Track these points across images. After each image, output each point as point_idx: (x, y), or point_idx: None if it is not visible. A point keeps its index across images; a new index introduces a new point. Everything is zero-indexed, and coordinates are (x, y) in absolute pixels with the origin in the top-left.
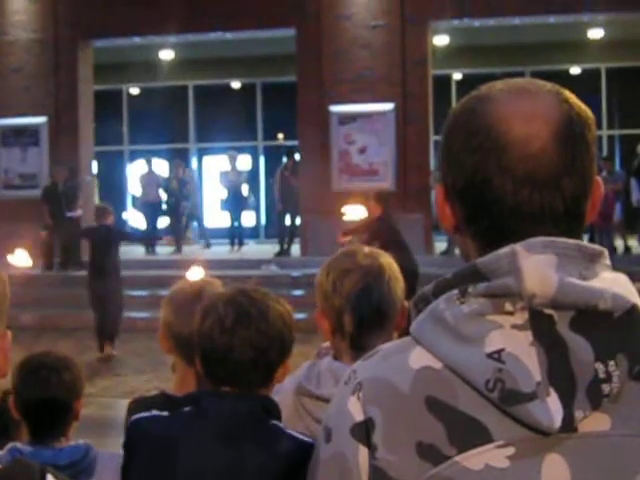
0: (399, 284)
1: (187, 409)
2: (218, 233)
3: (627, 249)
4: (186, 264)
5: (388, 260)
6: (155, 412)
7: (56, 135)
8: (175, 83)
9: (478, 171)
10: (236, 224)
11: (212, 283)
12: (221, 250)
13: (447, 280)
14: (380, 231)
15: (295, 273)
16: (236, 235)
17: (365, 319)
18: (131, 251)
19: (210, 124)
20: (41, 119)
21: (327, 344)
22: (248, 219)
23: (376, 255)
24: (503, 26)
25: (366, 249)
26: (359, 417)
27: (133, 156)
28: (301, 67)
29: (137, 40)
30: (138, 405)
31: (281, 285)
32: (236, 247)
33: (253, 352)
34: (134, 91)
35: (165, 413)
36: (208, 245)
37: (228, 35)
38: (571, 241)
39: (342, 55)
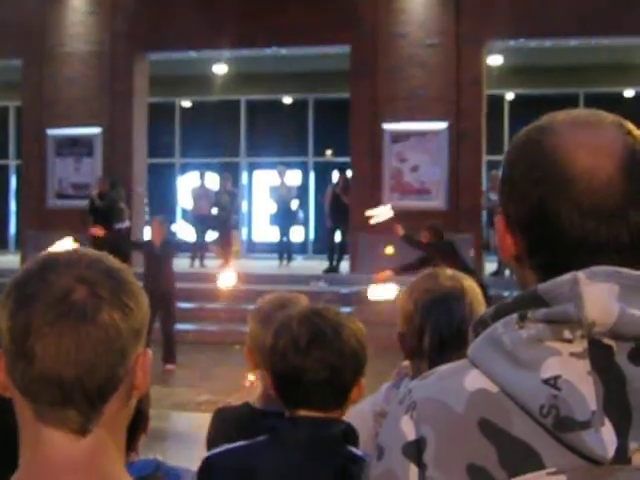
0: (481, 307)
1: (263, 438)
2: (267, 248)
3: None
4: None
5: (470, 283)
6: (227, 446)
7: (110, 146)
8: (228, 97)
9: (543, 203)
10: (285, 239)
11: (298, 297)
12: (270, 265)
13: (507, 305)
14: (431, 253)
15: (344, 290)
16: (285, 250)
17: (445, 340)
18: (179, 264)
19: (261, 139)
20: (95, 130)
21: (407, 363)
22: (297, 234)
23: (458, 278)
24: (558, 47)
25: (449, 271)
26: (411, 436)
27: (184, 169)
28: (354, 84)
29: (192, 54)
30: (223, 415)
31: (330, 302)
32: (285, 262)
33: (328, 372)
34: (187, 104)
35: (240, 443)
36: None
37: (282, 51)
38: (635, 272)
39: (396, 73)
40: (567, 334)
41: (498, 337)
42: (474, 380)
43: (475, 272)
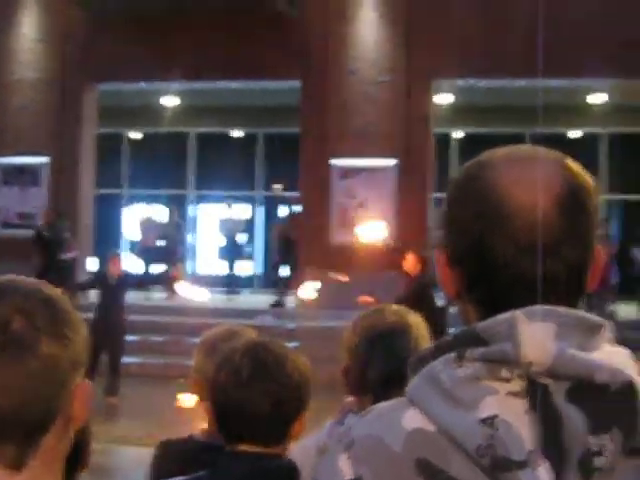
0: (426, 343)
1: (202, 473)
2: (212, 281)
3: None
4: (181, 310)
5: (416, 319)
6: None
7: (57, 176)
8: (177, 129)
9: (480, 238)
10: (231, 272)
11: (245, 330)
12: (216, 298)
13: (447, 342)
14: (414, 292)
15: (290, 325)
16: (232, 283)
17: (389, 376)
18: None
19: (210, 171)
20: (43, 159)
21: (351, 399)
22: (244, 268)
23: (404, 313)
24: (506, 88)
25: (394, 307)
26: (348, 475)
27: (131, 200)
28: (304, 119)
29: (142, 85)
30: (165, 449)
31: (277, 336)
32: (232, 295)
33: (270, 405)
34: (136, 136)
35: (180, 479)
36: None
37: (233, 84)
38: (572, 311)
39: (346, 109)
40: (505, 373)
41: (436, 375)
42: (412, 419)
43: (443, 317)
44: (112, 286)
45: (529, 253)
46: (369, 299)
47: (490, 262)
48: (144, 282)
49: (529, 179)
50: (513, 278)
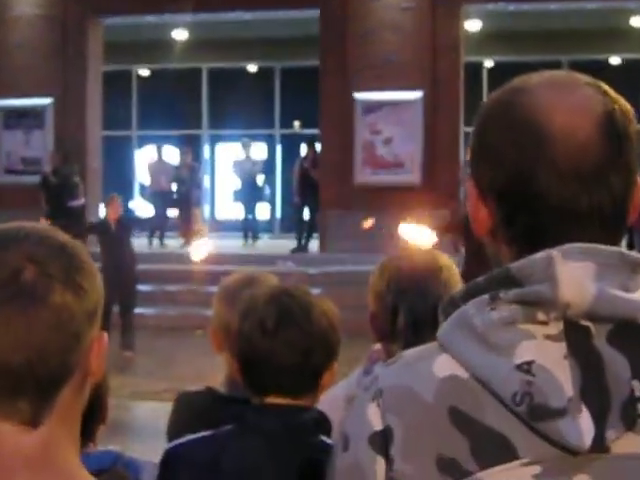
0: (457, 286)
1: (229, 427)
2: (231, 226)
3: None
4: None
5: (446, 261)
6: (190, 437)
7: (62, 117)
8: (188, 65)
9: (518, 167)
10: (250, 217)
11: (266, 276)
12: (234, 244)
13: (478, 284)
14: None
15: (312, 270)
16: (250, 229)
17: (420, 320)
18: (137, 243)
19: (224, 110)
20: (46, 100)
21: (378, 347)
22: (263, 212)
23: (433, 255)
24: (539, 11)
25: (423, 249)
26: (378, 426)
27: (142, 142)
28: (324, 50)
29: (149, 18)
30: (184, 402)
31: (298, 282)
32: (250, 241)
33: (298, 356)
34: (144, 73)
35: (203, 433)
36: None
37: (247, 15)
38: (613, 248)
39: (368, 38)
40: (541, 316)
41: (469, 319)
42: (444, 365)
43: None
44: (114, 232)
45: (572, 181)
46: (370, 222)
47: (529, 193)
48: (147, 225)
49: (568, 103)
50: (556, 208)
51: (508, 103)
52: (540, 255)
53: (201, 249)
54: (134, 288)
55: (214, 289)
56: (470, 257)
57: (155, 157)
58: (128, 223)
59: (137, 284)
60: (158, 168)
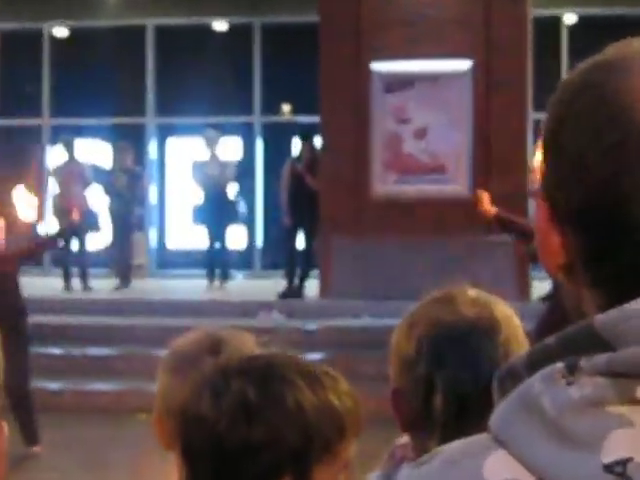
0: (520, 347)
1: None
2: (189, 260)
3: None
4: (136, 306)
5: (506, 311)
6: None
7: None
8: (126, 22)
9: (615, 182)
10: (217, 246)
11: (237, 335)
12: (193, 287)
13: (548, 347)
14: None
15: (311, 326)
16: (217, 263)
17: (467, 402)
18: (46, 285)
19: (180, 88)
20: None
21: (405, 439)
22: (236, 238)
23: (487, 302)
24: None
25: (472, 292)
26: None
27: (56, 134)
28: (326, 2)
29: None
30: None
31: (289, 343)
32: (217, 282)
33: (286, 456)
34: (61, 33)
35: None
36: None
37: None
38: None
39: None
40: None
41: (535, 399)
42: (499, 466)
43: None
44: None
45: None
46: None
47: (631, 218)
48: (62, 259)
49: None
50: None
51: (599, 87)
52: (637, 305)
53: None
54: (25, 354)
55: (162, 354)
56: (554, 306)
57: (65, 157)
58: (16, 250)
59: (28, 347)
60: (68, 174)
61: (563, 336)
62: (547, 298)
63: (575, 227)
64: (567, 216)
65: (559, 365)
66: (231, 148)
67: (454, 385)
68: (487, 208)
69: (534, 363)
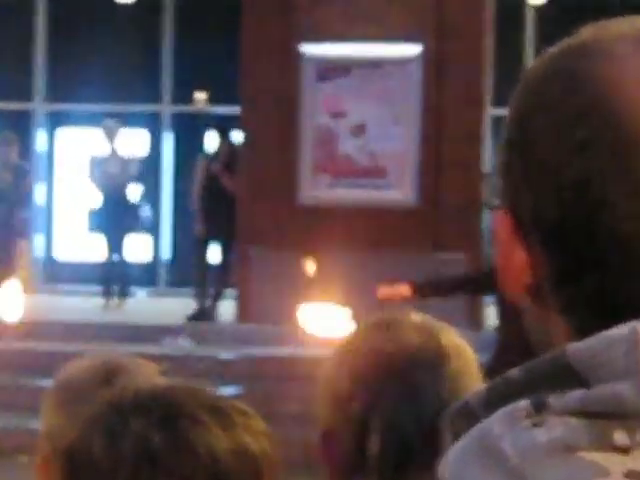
0: (472, 381)
1: None
2: (82, 274)
3: None
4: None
5: (455, 340)
6: None
7: None
8: None
9: (587, 187)
10: (116, 258)
11: (135, 363)
12: (86, 306)
13: (511, 382)
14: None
15: (225, 355)
16: (116, 279)
17: (409, 445)
18: None
19: (73, 69)
20: None
21: None
22: (138, 249)
23: (434, 330)
24: None
25: (416, 318)
26: None
27: None
28: None
29: None
30: None
31: (198, 375)
32: (115, 301)
33: None
34: None
35: None
36: None
37: None
38: None
39: None
40: (620, 437)
41: (495, 441)
42: None
43: None
44: None
45: None
46: (394, 291)
47: (604, 231)
48: None
49: None
50: None
51: (571, 75)
52: (618, 331)
53: (14, 304)
54: None
55: (48, 385)
56: (507, 334)
57: None
58: None
59: None
60: None
61: (530, 368)
62: (501, 326)
63: (544, 241)
64: (534, 228)
65: (523, 402)
66: (135, 142)
67: (393, 426)
68: (403, 293)
69: (493, 400)
